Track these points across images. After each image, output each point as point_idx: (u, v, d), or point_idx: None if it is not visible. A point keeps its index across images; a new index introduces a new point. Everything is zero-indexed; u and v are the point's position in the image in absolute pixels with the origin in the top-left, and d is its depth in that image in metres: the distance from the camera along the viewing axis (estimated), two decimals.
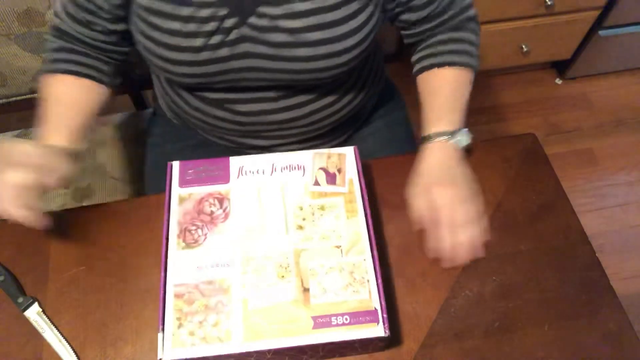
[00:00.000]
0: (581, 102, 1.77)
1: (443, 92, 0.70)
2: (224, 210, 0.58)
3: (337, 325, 0.52)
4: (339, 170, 0.61)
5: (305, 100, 0.73)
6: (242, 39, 0.62)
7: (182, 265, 0.55)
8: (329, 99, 0.75)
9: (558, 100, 1.77)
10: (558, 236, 0.67)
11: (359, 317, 0.52)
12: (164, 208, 0.58)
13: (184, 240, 0.56)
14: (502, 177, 0.71)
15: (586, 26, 1.52)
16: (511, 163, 0.73)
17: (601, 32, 1.54)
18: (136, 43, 0.68)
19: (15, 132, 1.05)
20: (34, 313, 0.60)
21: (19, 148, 0.59)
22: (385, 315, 0.52)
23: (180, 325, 0.51)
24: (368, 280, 0.54)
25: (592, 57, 1.66)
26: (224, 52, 0.63)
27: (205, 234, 0.56)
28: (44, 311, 0.61)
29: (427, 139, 0.68)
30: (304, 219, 0.58)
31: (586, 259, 0.65)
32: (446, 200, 0.61)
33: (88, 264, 0.64)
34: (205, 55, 0.63)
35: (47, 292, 0.62)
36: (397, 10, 0.69)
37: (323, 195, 0.59)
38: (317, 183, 0.60)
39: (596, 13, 1.46)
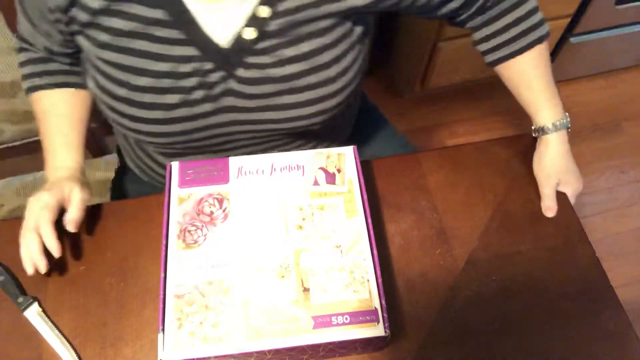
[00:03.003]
0: None
1: (536, 78, 0.69)
2: (223, 211, 0.58)
3: (337, 325, 0.52)
4: (339, 170, 0.61)
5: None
6: (227, 93, 0.59)
7: (182, 265, 0.55)
8: (309, 141, 0.74)
9: None
10: (558, 236, 0.67)
11: (359, 316, 0.52)
12: (164, 208, 0.58)
13: (183, 241, 0.56)
14: (502, 177, 0.71)
15: (557, 34, 1.53)
16: (511, 163, 0.73)
17: (572, 39, 1.56)
18: (96, 99, 0.62)
19: (3, 181, 1.03)
20: (34, 313, 0.60)
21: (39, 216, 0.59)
22: (385, 315, 0.52)
23: (180, 326, 0.51)
24: (368, 280, 0.54)
25: (564, 63, 1.67)
26: (205, 107, 0.59)
27: (205, 235, 0.56)
28: (44, 311, 0.61)
29: (542, 130, 0.68)
30: (303, 219, 0.58)
31: (586, 259, 0.65)
32: (572, 192, 0.70)
33: (88, 264, 0.64)
34: (182, 112, 0.59)
35: (47, 292, 0.62)
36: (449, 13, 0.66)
37: (323, 195, 0.59)
38: (316, 183, 0.60)
39: (566, 21, 1.47)
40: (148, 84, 0.56)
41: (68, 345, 0.58)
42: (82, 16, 0.54)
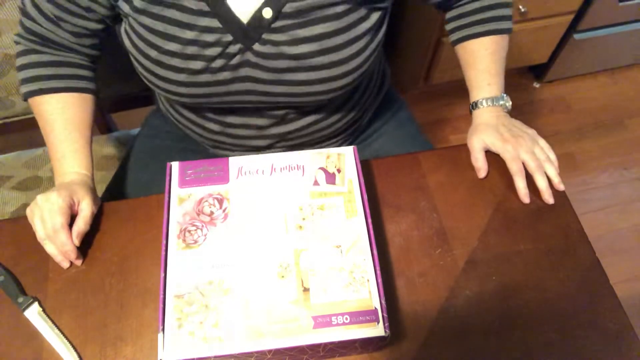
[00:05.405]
0: (560, 106, 1.77)
1: (483, 61, 0.74)
2: (223, 211, 0.58)
3: (337, 324, 0.52)
4: (339, 170, 0.61)
5: (301, 119, 0.74)
6: (244, 64, 0.63)
7: (182, 265, 0.55)
8: (329, 113, 0.76)
9: (537, 104, 1.77)
10: (558, 236, 0.67)
11: (359, 316, 0.52)
12: (164, 208, 0.58)
13: (183, 241, 0.56)
14: (502, 177, 0.71)
15: (561, 30, 1.53)
16: None
17: (576, 36, 1.56)
18: (131, 57, 0.67)
19: (13, 154, 1.04)
20: (34, 313, 0.60)
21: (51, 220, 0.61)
22: (385, 315, 0.52)
23: (180, 326, 0.51)
24: (368, 280, 0.54)
25: (568, 60, 1.67)
26: (225, 75, 0.64)
27: (205, 235, 0.56)
28: (44, 311, 0.61)
29: (475, 105, 0.75)
30: (303, 219, 0.58)
31: (586, 259, 0.65)
32: (524, 150, 0.68)
33: (88, 264, 0.64)
34: (204, 77, 0.63)
35: (47, 292, 0.62)
36: None
37: (323, 195, 0.59)
38: (316, 183, 0.60)
39: (570, 17, 1.47)
40: (176, 49, 0.61)
41: (68, 345, 0.58)
42: None
